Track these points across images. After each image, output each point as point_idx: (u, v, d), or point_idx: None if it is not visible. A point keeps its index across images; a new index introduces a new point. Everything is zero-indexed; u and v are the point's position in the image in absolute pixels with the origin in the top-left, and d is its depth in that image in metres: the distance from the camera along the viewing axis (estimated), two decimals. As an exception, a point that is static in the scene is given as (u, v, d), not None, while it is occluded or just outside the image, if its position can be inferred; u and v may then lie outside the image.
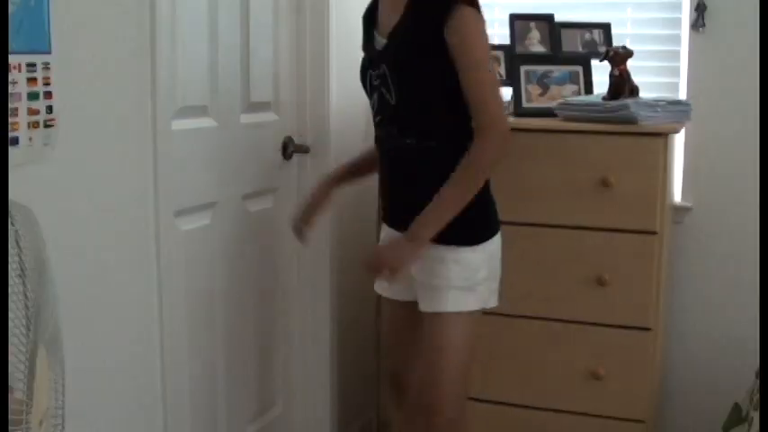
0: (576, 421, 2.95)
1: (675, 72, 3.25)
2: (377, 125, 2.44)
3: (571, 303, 2.91)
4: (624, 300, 2.87)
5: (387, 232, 2.52)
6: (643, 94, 2.98)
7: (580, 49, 3.17)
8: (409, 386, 2.54)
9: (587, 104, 2.90)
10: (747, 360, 2.83)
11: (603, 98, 2.93)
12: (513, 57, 3.14)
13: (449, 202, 2.27)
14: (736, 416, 2.63)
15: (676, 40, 3.25)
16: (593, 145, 2.85)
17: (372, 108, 2.44)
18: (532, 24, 3.19)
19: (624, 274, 2.86)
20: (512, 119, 3.01)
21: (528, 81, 3.09)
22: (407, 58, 2.29)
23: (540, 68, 3.11)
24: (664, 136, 2.81)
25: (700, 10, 3.16)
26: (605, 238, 2.86)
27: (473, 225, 2.35)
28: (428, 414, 2.40)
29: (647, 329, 2.88)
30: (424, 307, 2.39)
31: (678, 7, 3.23)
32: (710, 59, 3.18)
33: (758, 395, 2.44)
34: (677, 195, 3.25)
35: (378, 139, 2.46)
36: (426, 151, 2.32)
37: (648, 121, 2.82)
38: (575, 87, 3.09)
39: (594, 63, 3.13)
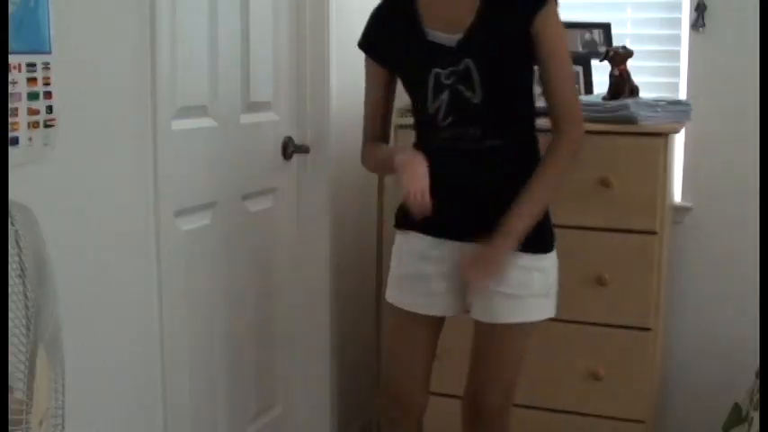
0: (576, 421, 2.95)
1: (675, 72, 3.25)
2: (444, 127, 2.24)
3: (571, 303, 2.89)
4: (624, 300, 2.87)
5: (429, 244, 2.32)
6: (643, 94, 2.99)
7: (580, 49, 3.16)
8: (411, 395, 2.46)
9: (587, 104, 2.89)
10: (747, 360, 2.83)
11: (603, 98, 2.93)
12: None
13: (542, 199, 2.23)
14: (736, 416, 2.63)
15: (676, 40, 3.25)
16: (593, 145, 2.82)
17: (437, 108, 2.23)
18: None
19: (624, 274, 2.86)
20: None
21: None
22: (501, 52, 2.20)
23: (541, 68, 3.11)
24: (664, 136, 2.81)
25: (700, 10, 3.16)
26: (605, 238, 2.86)
27: (547, 231, 2.32)
28: (488, 415, 2.40)
29: (647, 329, 2.88)
30: (502, 318, 2.29)
31: (678, 7, 3.23)
32: (710, 59, 3.17)
33: (758, 395, 2.44)
34: (677, 195, 3.25)
35: (445, 140, 2.25)
36: (511, 152, 2.23)
37: (648, 121, 2.82)
38: (576, 87, 3.09)
39: (594, 63, 3.13)
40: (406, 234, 2.36)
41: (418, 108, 2.30)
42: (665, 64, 3.27)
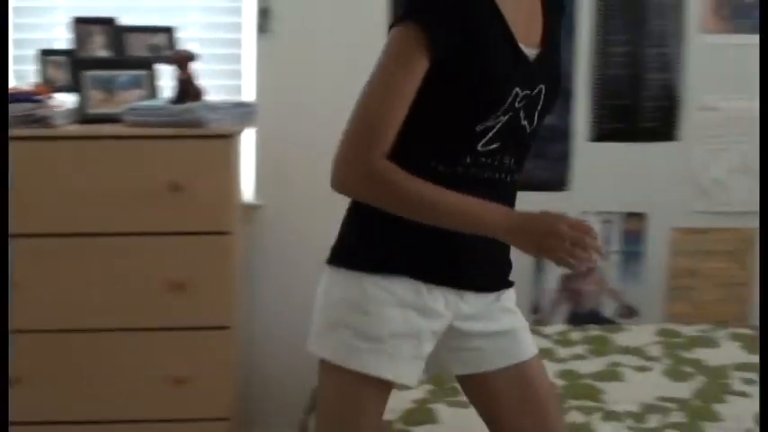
0: (160, 428, 2.92)
1: (240, 75, 3.33)
2: (484, 152, 1.77)
3: (151, 311, 2.89)
4: (203, 301, 2.90)
5: (428, 294, 1.80)
6: (210, 97, 3.01)
7: (145, 54, 3.13)
8: None
9: (154, 109, 2.89)
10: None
11: (170, 102, 2.92)
12: (76, 62, 3.05)
13: None
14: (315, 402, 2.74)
15: (241, 44, 3.33)
16: (162, 149, 2.85)
17: (484, 129, 1.75)
18: (95, 28, 3.12)
19: (202, 276, 2.88)
20: (76, 127, 2.94)
21: (92, 86, 3.01)
22: (560, 81, 1.89)
23: (105, 73, 3.04)
24: (230, 137, 2.87)
25: (264, 14, 3.25)
26: (180, 241, 2.87)
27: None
28: None
29: (227, 328, 2.94)
30: None
31: (240, 12, 3.31)
32: (276, 62, 3.28)
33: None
34: (250, 194, 3.32)
35: (480, 166, 1.78)
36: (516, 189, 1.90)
37: (215, 124, 2.86)
38: (141, 92, 3.05)
39: (161, 67, 3.11)
40: (389, 279, 1.78)
41: (454, 121, 1.76)
42: (231, 67, 3.34)
